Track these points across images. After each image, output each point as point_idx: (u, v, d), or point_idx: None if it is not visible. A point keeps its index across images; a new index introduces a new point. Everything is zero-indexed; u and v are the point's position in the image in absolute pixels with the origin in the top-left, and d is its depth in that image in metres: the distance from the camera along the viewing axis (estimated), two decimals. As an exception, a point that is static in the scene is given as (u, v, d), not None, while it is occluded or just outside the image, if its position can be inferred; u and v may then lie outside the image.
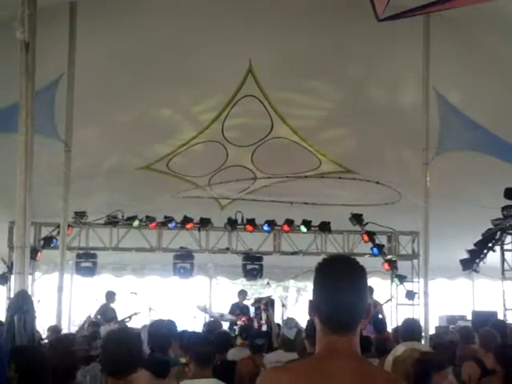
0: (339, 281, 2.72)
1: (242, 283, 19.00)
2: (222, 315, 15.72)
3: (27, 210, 8.91)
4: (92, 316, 15.63)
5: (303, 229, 16.53)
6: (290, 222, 16.44)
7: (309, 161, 16.75)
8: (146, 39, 13.93)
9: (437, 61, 13.18)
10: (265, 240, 16.83)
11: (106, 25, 13.61)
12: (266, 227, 16.56)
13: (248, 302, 16.85)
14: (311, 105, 15.74)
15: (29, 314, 8.12)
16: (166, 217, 16.15)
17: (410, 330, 7.49)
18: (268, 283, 19.05)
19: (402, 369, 5.16)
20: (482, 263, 15.32)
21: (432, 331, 14.29)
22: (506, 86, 14.24)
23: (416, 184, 13.62)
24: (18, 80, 9.06)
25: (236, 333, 14.09)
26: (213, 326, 12.18)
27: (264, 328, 15.04)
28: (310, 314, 2.79)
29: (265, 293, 18.92)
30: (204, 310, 16.44)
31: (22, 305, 8.19)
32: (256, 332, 12.88)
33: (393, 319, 16.71)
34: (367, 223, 16.32)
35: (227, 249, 16.71)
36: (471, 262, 15.74)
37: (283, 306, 17.25)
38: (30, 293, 9.95)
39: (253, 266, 17.01)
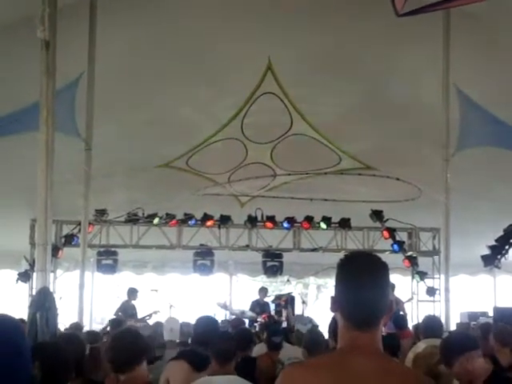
0: (361, 277, 2.72)
1: (262, 280, 19.04)
2: (242, 312, 15.72)
3: (48, 207, 8.98)
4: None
5: (323, 225, 16.50)
6: (309, 219, 16.41)
7: (329, 157, 16.73)
8: (166, 38, 13.97)
9: (457, 57, 13.11)
10: (285, 237, 16.82)
11: (126, 23, 13.66)
12: (285, 224, 16.55)
13: (268, 299, 16.85)
14: (331, 101, 15.69)
15: (51, 311, 8.19)
16: (185, 214, 16.19)
17: (431, 326, 7.45)
18: (288, 280, 19.02)
19: (423, 365, 5.15)
20: (503, 259, 15.19)
21: (453, 328, 14.21)
22: (528, 81, 14.14)
23: (436, 180, 13.57)
24: (38, 79, 9.13)
25: (257, 329, 14.09)
26: (237, 322, 12.20)
27: (284, 325, 15.01)
28: (332, 310, 2.79)
29: (285, 290, 18.85)
30: (224, 307, 16.44)
31: (44, 302, 8.26)
32: (273, 329, 12.86)
33: (414, 316, 16.63)
34: (387, 220, 16.26)
35: (247, 246, 16.73)
36: (493, 258, 15.63)
37: (303, 302, 17.19)
38: (51, 290, 10.03)
39: (273, 263, 17.02)
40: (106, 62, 13.32)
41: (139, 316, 15.82)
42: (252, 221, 16.46)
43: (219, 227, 16.50)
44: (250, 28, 13.93)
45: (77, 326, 11.45)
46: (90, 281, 16.39)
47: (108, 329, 12.31)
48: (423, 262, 16.63)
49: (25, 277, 15.15)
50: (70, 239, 15.76)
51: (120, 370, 4.85)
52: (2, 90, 13.52)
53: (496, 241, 15.22)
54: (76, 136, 13.60)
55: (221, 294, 19.09)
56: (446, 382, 5.07)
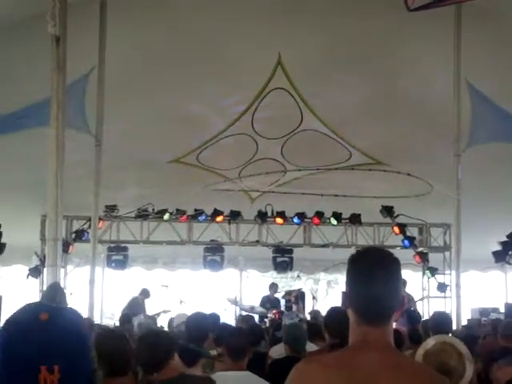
0: (373, 272, 2.70)
1: (272, 276, 19.01)
2: (252, 308, 15.71)
3: (59, 203, 9.01)
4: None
5: (333, 221, 16.46)
6: (320, 215, 16.38)
7: (339, 153, 16.69)
8: (176, 33, 13.98)
9: (468, 51, 13.06)
10: (295, 232, 16.80)
11: (137, 19, 13.68)
12: (296, 220, 16.52)
13: (278, 295, 16.84)
14: (341, 96, 15.67)
15: (62, 306, 8.19)
16: (196, 210, 16.18)
17: (440, 322, 7.42)
18: (298, 276, 19.01)
19: (433, 361, 5.13)
20: (514, 255, 15.19)
21: (464, 324, 14.17)
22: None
23: (447, 176, 13.53)
24: (49, 74, 9.15)
25: (267, 325, 14.09)
26: (247, 319, 12.19)
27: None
28: (343, 305, 2.78)
29: (295, 285, 18.86)
30: (235, 302, 16.43)
31: (54, 297, 8.26)
32: (277, 324, 12.89)
33: (425, 312, 16.59)
34: (398, 215, 16.22)
35: (257, 241, 16.72)
36: (504, 254, 15.62)
37: (314, 298, 17.18)
38: (62, 286, 10.05)
39: (283, 259, 17.01)
40: (116, 58, 13.33)
41: (149, 313, 15.83)
42: (262, 216, 16.45)
43: (229, 223, 16.49)
44: (261, 24, 13.92)
45: (87, 322, 11.46)
46: (101, 276, 16.40)
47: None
48: (434, 258, 16.57)
49: (35, 272, 15.18)
50: (80, 235, 15.79)
51: (153, 370, 4.86)
52: (11, 86, 13.56)
53: (507, 237, 15.21)
54: (86, 132, 13.62)
55: (231, 289, 19.08)
56: (457, 378, 5.06)
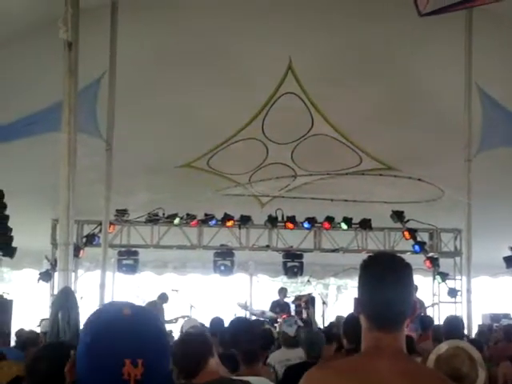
0: (384, 278, 2.69)
1: (282, 281, 18.99)
2: (262, 312, 15.70)
3: (70, 208, 9.04)
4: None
5: (344, 226, 16.44)
6: (330, 219, 16.36)
7: (349, 158, 16.68)
8: (187, 37, 14.00)
9: (479, 56, 13.03)
10: (305, 237, 16.79)
11: (148, 24, 13.72)
12: (306, 224, 16.51)
13: (288, 300, 16.81)
14: (352, 102, 15.66)
15: (72, 310, 8.22)
16: (206, 214, 16.19)
17: (453, 327, 7.40)
18: (308, 281, 18.96)
19: (445, 368, 5.11)
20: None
21: (475, 329, 14.13)
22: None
23: (458, 181, 13.49)
24: (60, 79, 9.18)
25: (277, 330, 14.06)
26: (257, 323, 12.17)
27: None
28: (355, 311, 2.78)
29: (305, 290, 18.81)
30: (245, 307, 16.42)
31: (65, 301, 8.30)
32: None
33: (435, 318, 16.53)
34: (408, 220, 16.18)
35: (267, 246, 16.71)
36: (515, 260, 15.53)
37: (324, 303, 17.14)
38: (73, 290, 10.08)
39: (293, 264, 16.99)
40: (128, 63, 13.37)
41: (166, 318, 15.80)
42: (272, 221, 16.44)
43: (240, 227, 16.50)
44: (272, 28, 13.94)
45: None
46: (111, 281, 16.43)
47: None
48: (444, 263, 16.51)
49: (46, 276, 15.22)
50: (91, 239, 15.83)
51: (190, 375, 4.77)
52: (24, 92, 13.62)
53: (518, 242, 15.13)
54: (98, 137, 13.66)
55: (241, 294, 19.07)
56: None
